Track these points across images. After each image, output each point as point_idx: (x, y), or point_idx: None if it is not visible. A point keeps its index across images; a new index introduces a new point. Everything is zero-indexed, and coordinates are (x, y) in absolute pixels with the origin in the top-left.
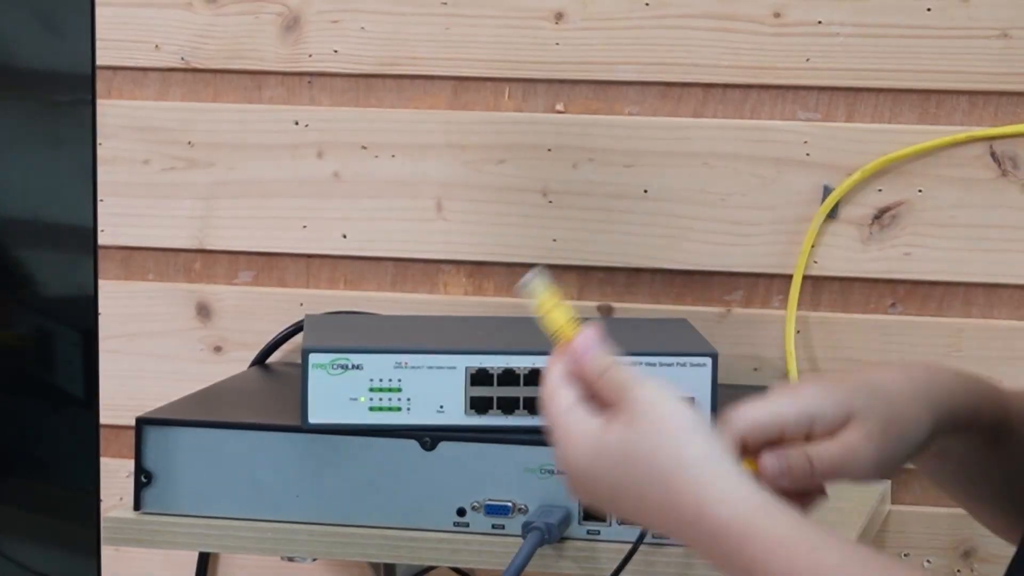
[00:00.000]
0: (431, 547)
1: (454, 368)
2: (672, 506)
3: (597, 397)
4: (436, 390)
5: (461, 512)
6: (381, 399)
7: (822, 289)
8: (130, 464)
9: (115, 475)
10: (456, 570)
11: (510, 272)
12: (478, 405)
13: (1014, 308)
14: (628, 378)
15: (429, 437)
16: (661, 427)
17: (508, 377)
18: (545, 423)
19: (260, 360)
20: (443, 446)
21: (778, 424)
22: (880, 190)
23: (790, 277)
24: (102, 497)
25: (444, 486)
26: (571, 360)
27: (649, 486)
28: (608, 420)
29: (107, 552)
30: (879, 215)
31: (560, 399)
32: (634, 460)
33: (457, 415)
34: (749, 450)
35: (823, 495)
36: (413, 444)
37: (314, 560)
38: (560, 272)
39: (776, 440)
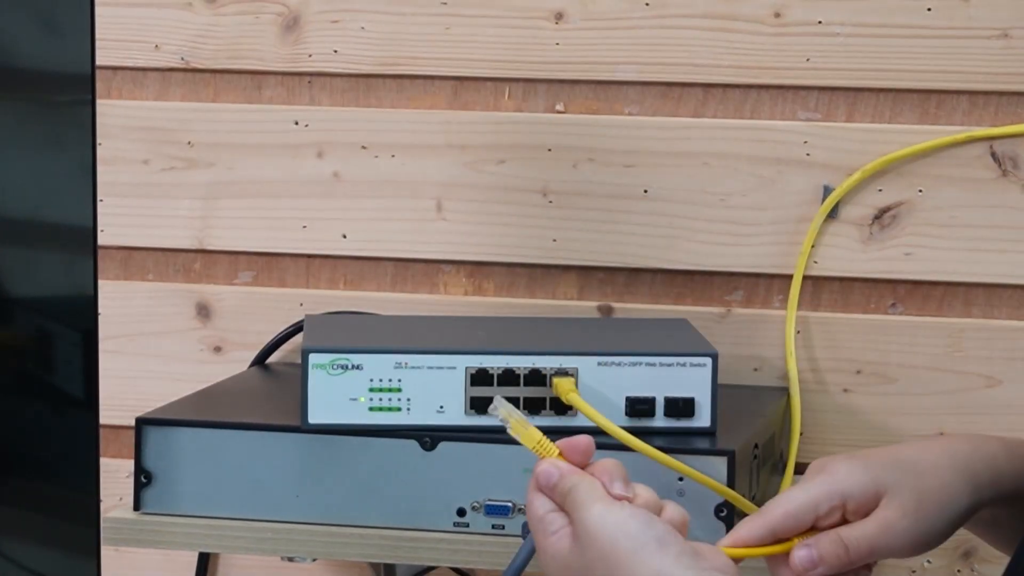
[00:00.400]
0: (431, 547)
1: (454, 368)
2: None
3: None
4: (436, 390)
5: (461, 512)
6: (381, 399)
7: (822, 289)
8: (130, 464)
9: (115, 475)
10: (456, 570)
11: (510, 272)
12: (478, 405)
13: (1015, 308)
14: (580, 501)
15: (429, 437)
16: (609, 553)
17: (508, 377)
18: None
19: (260, 360)
20: (443, 446)
21: (811, 510)
22: (880, 190)
23: (790, 277)
24: (102, 497)
25: (444, 486)
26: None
27: None
28: (571, 537)
29: (107, 552)
30: (879, 215)
31: (535, 507)
32: None
33: (457, 415)
34: (782, 540)
35: (868, 572)
36: (413, 444)
37: (314, 560)
38: (560, 272)
39: (811, 527)
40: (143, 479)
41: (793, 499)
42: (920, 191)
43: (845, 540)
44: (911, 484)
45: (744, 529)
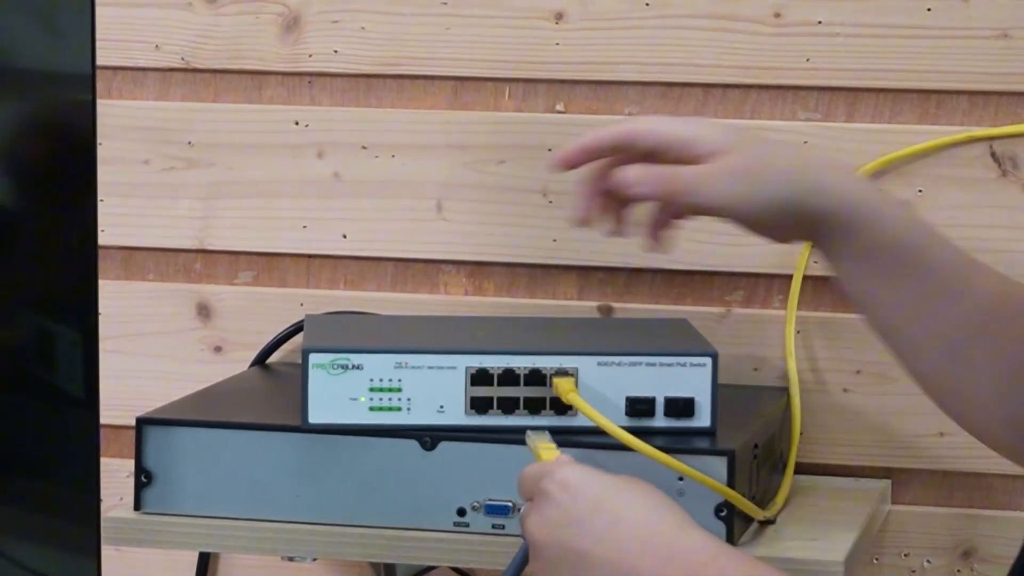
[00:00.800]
0: (431, 547)
1: (454, 368)
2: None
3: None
4: (436, 390)
5: (461, 512)
6: (381, 399)
7: (822, 289)
8: (130, 464)
9: (115, 475)
10: (456, 570)
11: (510, 272)
12: (478, 405)
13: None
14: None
15: (429, 437)
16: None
17: (508, 377)
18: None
19: (260, 360)
20: (443, 446)
21: (665, 142)
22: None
23: (790, 277)
24: (102, 497)
25: (444, 486)
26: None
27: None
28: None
29: (107, 552)
30: None
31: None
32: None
33: (457, 415)
34: (635, 152)
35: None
36: (413, 444)
37: (314, 560)
38: (560, 272)
39: (653, 152)
40: (143, 479)
41: (653, 125)
42: (920, 191)
43: (674, 174)
44: (752, 154)
45: (600, 133)
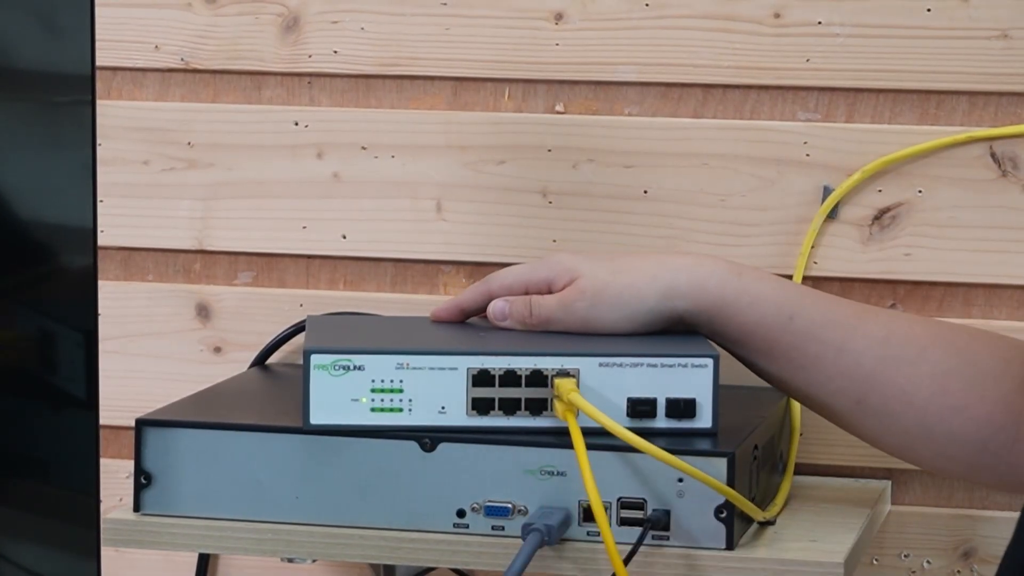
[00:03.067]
0: (431, 548)
1: (455, 369)
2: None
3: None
4: (438, 391)
5: (461, 513)
6: (383, 400)
7: (822, 289)
8: (130, 465)
9: (115, 476)
10: (456, 571)
11: None
12: (480, 406)
13: (1014, 308)
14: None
15: (429, 438)
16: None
17: (510, 378)
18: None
19: (260, 361)
20: (443, 447)
21: (523, 284)
22: (880, 191)
23: (790, 278)
24: (102, 498)
25: (444, 487)
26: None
27: None
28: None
29: (107, 553)
30: (879, 216)
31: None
32: None
33: (459, 416)
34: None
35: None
36: (413, 445)
37: (314, 561)
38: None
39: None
40: (143, 480)
41: (510, 274)
42: (920, 191)
43: (532, 303)
44: (602, 276)
45: (468, 293)
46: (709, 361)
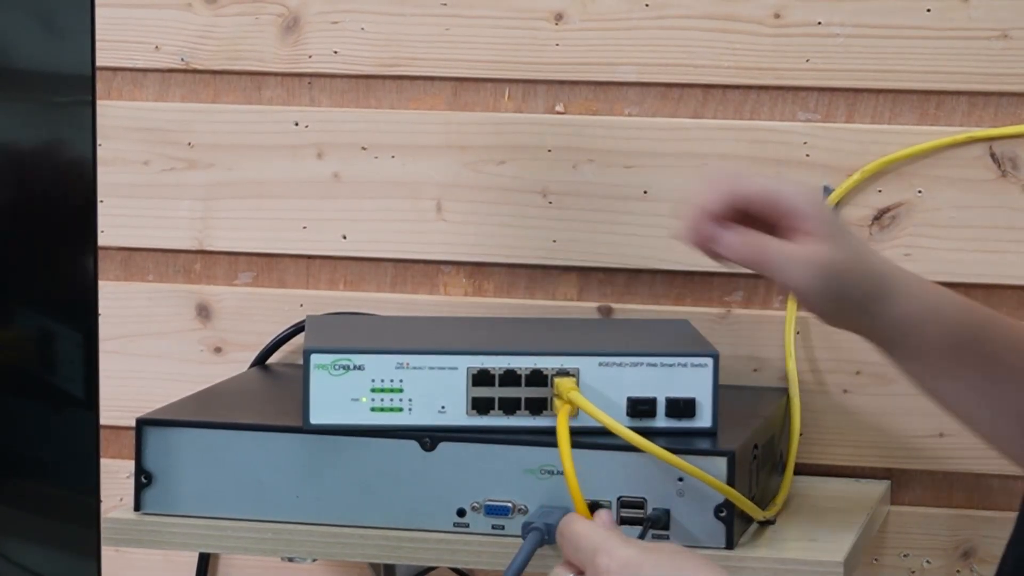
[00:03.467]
0: (431, 548)
1: (455, 368)
2: None
3: None
4: (438, 391)
5: (461, 513)
6: (383, 400)
7: None
8: (130, 465)
9: (115, 476)
10: (456, 571)
11: (510, 273)
12: (480, 406)
13: (1014, 308)
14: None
15: (429, 438)
16: (697, 560)
17: (509, 378)
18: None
19: (260, 361)
20: (443, 446)
21: (771, 204)
22: (880, 191)
23: None
24: (102, 498)
25: (444, 487)
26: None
27: None
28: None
29: (107, 553)
30: (879, 216)
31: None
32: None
33: (459, 416)
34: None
35: None
36: (413, 444)
37: (314, 561)
38: (560, 273)
39: (767, 218)
40: (143, 479)
41: (761, 187)
42: (920, 192)
43: (768, 248)
44: (845, 249)
45: (711, 193)
46: (709, 360)
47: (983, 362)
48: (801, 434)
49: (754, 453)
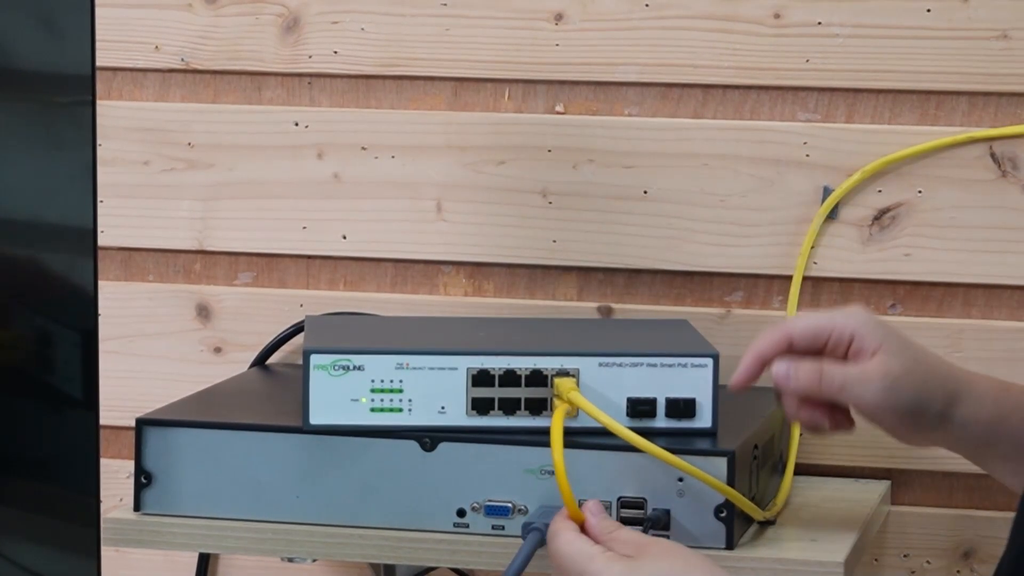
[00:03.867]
0: (431, 548)
1: (455, 369)
2: None
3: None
4: (437, 391)
5: (461, 513)
6: (382, 400)
7: (822, 290)
8: (130, 465)
9: (115, 476)
10: (456, 571)
11: (510, 273)
12: (479, 406)
13: (1014, 309)
14: (642, 535)
15: (429, 438)
16: (692, 560)
17: (509, 378)
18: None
19: (260, 361)
20: (443, 447)
21: (823, 334)
22: (880, 191)
23: (790, 278)
24: (102, 498)
25: (444, 487)
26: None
27: None
28: (634, 559)
29: (107, 553)
30: (879, 216)
31: (582, 545)
32: None
33: (459, 416)
34: (794, 350)
35: (849, 423)
36: (413, 445)
37: (314, 561)
38: (560, 273)
39: (819, 350)
40: (143, 480)
41: (811, 320)
42: (920, 192)
43: (823, 369)
44: (907, 357)
45: (765, 339)
46: (709, 361)
47: None
48: (801, 434)
49: (754, 453)
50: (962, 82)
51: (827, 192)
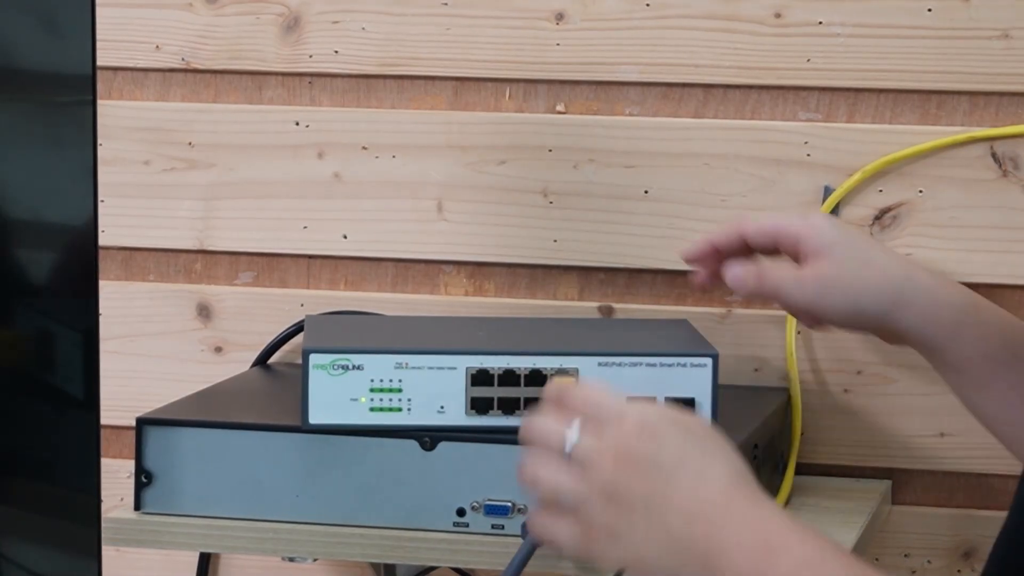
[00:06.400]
0: (431, 547)
1: (455, 368)
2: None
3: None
4: (437, 390)
5: (461, 512)
6: (382, 399)
7: None
8: (131, 464)
9: (116, 475)
10: (456, 570)
11: (511, 273)
12: (479, 405)
13: (1015, 308)
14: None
15: (429, 437)
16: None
17: (509, 378)
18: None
19: (261, 361)
20: (443, 446)
21: (770, 234)
22: (881, 191)
23: None
24: (103, 498)
25: (444, 486)
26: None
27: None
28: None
29: (108, 552)
30: (880, 216)
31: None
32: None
33: (458, 416)
34: (749, 246)
35: (813, 321)
36: (413, 444)
37: (314, 560)
38: (561, 273)
39: (771, 246)
40: (143, 479)
41: (766, 219)
42: (921, 192)
43: (762, 272)
44: (849, 266)
45: (720, 232)
46: (708, 360)
47: (1020, 380)
48: (802, 434)
49: (754, 453)
50: (963, 82)
51: (828, 192)
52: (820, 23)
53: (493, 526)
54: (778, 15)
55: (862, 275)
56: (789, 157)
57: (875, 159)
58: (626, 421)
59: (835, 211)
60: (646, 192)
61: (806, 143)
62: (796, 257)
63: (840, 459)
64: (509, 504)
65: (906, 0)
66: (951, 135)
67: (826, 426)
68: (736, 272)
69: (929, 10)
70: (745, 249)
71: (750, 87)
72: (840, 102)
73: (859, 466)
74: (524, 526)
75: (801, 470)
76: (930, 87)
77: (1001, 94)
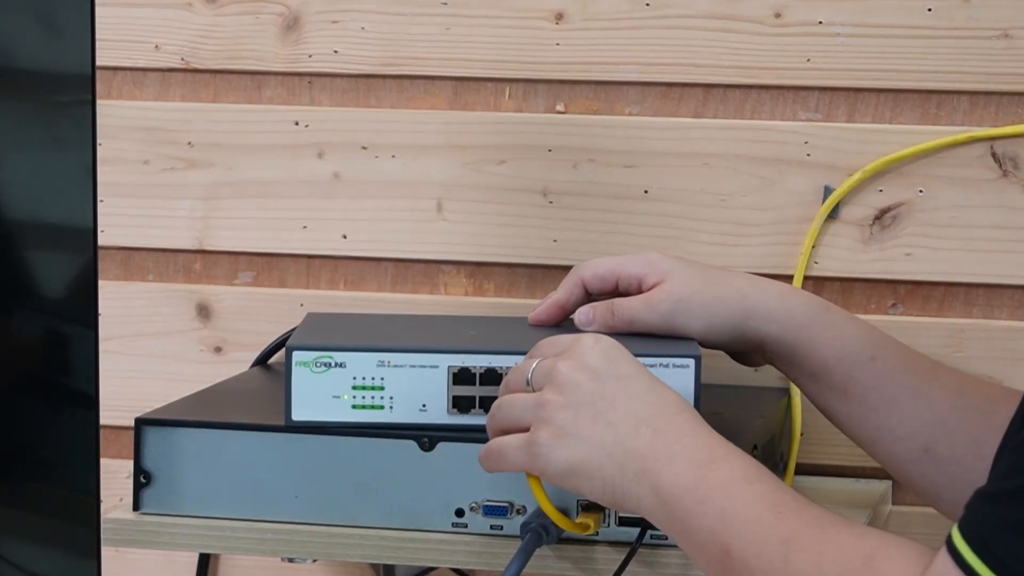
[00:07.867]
0: (430, 548)
1: (436, 367)
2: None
3: None
4: (419, 389)
5: (460, 513)
6: (364, 397)
7: (823, 289)
8: (130, 465)
9: (115, 476)
10: (455, 571)
11: (511, 273)
12: (461, 404)
13: (1015, 308)
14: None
15: (428, 438)
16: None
17: (490, 376)
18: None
19: (261, 361)
20: (441, 447)
21: (611, 277)
22: (881, 190)
23: (791, 278)
24: (102, 498)
25: (443, 487)
26: None
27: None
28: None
29: (107, 553)
30: (880, 215)
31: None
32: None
33: (440, 414)
34: (589, 293)
35: None
36: (412, 445)
37: (314, 561)
38: (561, 273)
39: (613, 289)
40: (143, 479)
41: (602, 264)
42: (920, 191)
43: (615, 305)
44: (693, 283)
45: (561, 288)
46: (691, 362)
47: (876, 385)
48: (802, 434)
49: (754, 453)
50: (963, 81)
51: (828, 191)
52: (820, 23)
53: (492, 527)
54: (778, 15)
55: (709, 290)
56: (789, 157)
57: (875, 159)
58: (583, 340)
59: (835, 211)
60: (646, 192)
61: (806, 143)
62: (641, 291)
63: (840, 459)
64: (507, 505)
65: (906, 0)
66: (951, 135)
67: (826, 426)
68: (585, 312)
69: (929, 10)
70: (587, 299)
71: (750, 87)
72: (840, 102)
73: (859, 466)
74: (523, 527)
75: (801, 470)
76: (930, 87)
77: (1001, 94)
